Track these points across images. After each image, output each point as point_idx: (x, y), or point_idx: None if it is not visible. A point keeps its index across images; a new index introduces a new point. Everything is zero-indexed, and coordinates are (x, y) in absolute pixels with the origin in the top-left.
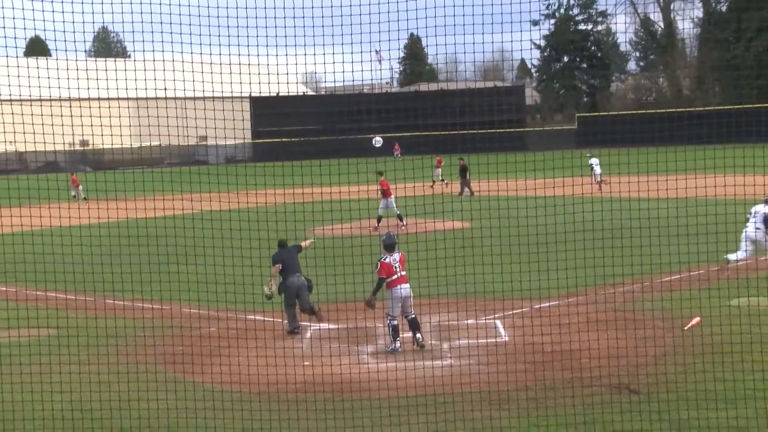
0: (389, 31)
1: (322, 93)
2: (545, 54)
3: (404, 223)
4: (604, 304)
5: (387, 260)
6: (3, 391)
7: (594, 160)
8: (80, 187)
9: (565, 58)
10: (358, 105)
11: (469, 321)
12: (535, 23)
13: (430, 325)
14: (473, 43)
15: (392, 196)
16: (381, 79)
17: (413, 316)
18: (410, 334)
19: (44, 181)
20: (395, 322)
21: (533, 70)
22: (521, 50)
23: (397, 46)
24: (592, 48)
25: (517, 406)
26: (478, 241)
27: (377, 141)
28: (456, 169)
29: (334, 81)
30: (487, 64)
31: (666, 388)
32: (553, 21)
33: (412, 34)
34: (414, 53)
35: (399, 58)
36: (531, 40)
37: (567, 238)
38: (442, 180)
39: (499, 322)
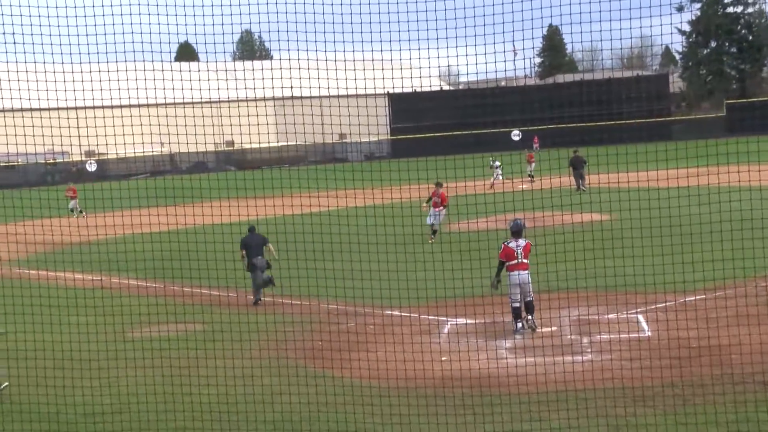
0: (525, 20)
1: (460, 87)
2: (691, 40)
3: (434, 238)
4: (755, 297)
5: (511, 245)
6: (155, 383)
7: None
8: (76, 200)
9: (713, 43)
10: (495, 98)
11: (610, 315)
12: (680, 8)
13: (569, 319)
14: (611, 30)
15: (444, 209)
16: (516, 69)
17: (530, 298)
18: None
19: (196, 180)
20: (516, 305)
21: (678, 57)
22: (663, 36)
23: (533, 37)
24: (743, 31)
25: (662, 403)
26: (618, 233)
27: (516, 134)
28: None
29: (468, 74)
30: (629, 52)
31: None
32: (698, 5)
33: (550, 25)
34: (553, 44)
35: (537, 50)
36: (675, 25)
37: (713, 228)
38: (531, 176)
39: (641, 317)
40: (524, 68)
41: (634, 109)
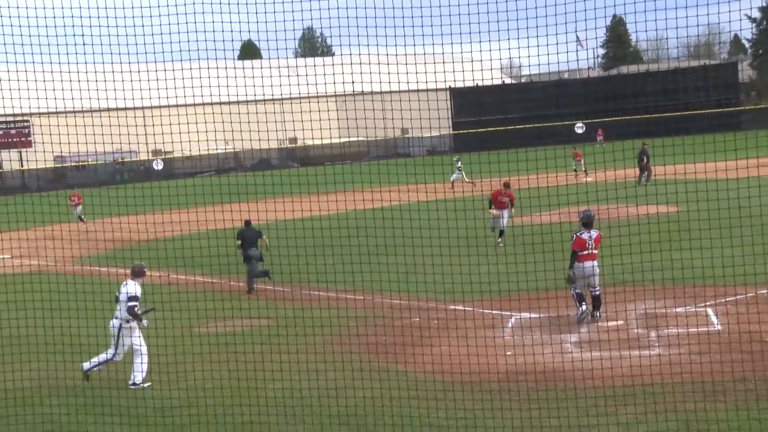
0: (588, 10)
1: (522, 81)
2: (761, 27)
3: (501, 241)
4: None
5: (583, 236)
6: (222, 378)
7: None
8: (79, 207)
9: None
10: (558, 91)
11: (678, 309)
12: None
13: (636, 313)
14: (677, 18)
15: (510, 210)
16: (579, 60)
17: (597, 293)
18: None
19: (260, 177)
20: (578, 290)
21: (747, 45)
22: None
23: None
24: None
25: (734, 398)
26: (686, 224)
27: (579, 127)
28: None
29: (530, 67)
30: (696, 41)
31: None
32: None
33: (614, 16)
34: (617, 35)
35: (601, 41)
36: (744, 11)
37: None
38: (577, 171)
39: (710, 310)
40: (587, 59)
41: (701, 99)
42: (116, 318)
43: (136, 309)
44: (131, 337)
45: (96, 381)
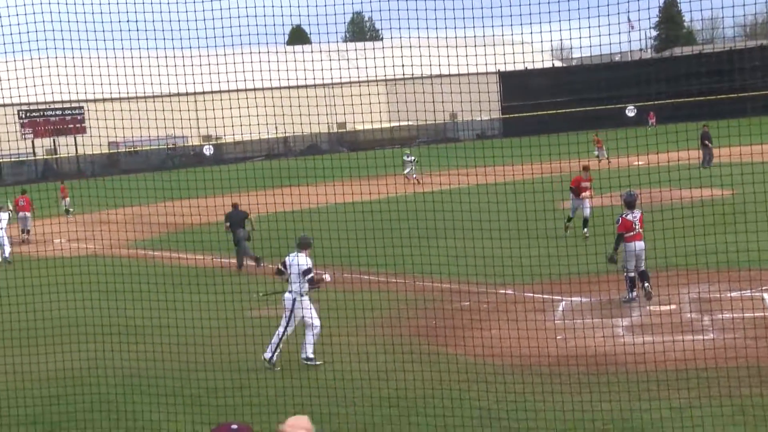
0: None
1: (572, 64)
2: None
3: (584, 230)
4: None
5: (628, 217)
6: (280, 360)
7: None
8: (68, 199)
9: None
10: (609, 74)
11: (733, 293)
12: None
13: (689, 297)
14: None
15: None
16: (631, 41)
17: (644, 268)
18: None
19: (311, 161)
20: (631, 275)
21: None
22: None
23: (649, 7)
24: None
25: None
26: (741, 207)
27: (630, 109)
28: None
29: (581, 49)
30: (752, 20)
31: None
32: None
33: None
34: (669, 16)
35: (653, 23)
36: None
37: None
38: (607, 158)
39: (766, 295)
40: (639, 40)
41: (758, 80)
42: (290, 292)
43: (314, 277)
44: (303, 309)
45: (151, 362)
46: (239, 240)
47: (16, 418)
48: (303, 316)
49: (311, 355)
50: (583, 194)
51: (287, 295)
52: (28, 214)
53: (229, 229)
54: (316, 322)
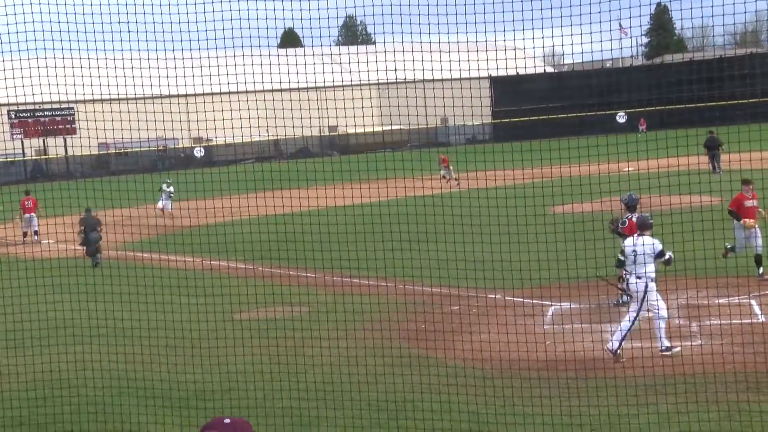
0: None
1: (563, 70)
2: None
3: (759, 271)
4: None
5: (633, 219)
6: (262, 363)
7: None
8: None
9: None
10: (600, 80)
11: (721, 300)
12: None
13: (678, 303)
14: (723, 5)
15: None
16: (623, 48)
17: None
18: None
19: (302, 164)
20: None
21: None
22: None
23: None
24: None
25: None
26: (728, 214)
27: (621, 116)
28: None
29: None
30: (742, 29)
31: None
32: None
33: (658, 4)
34: (660, 24)
35: (644, 30)
36: None
37: None
38: (456, 178)
39: (754, 302)
40: (631, 47)
41: (746, 88)
42: (639, 277)
43: (667, 256)
44: (652, 293)
45: (139, 365)
46: (90, 242)
47: (2, 420)
48: (650, 300)
49: (668, 343)
50: (747, 222)
51: (634, 280)
52: (34, 215)
53: (83, 232)
54: (663, 304)
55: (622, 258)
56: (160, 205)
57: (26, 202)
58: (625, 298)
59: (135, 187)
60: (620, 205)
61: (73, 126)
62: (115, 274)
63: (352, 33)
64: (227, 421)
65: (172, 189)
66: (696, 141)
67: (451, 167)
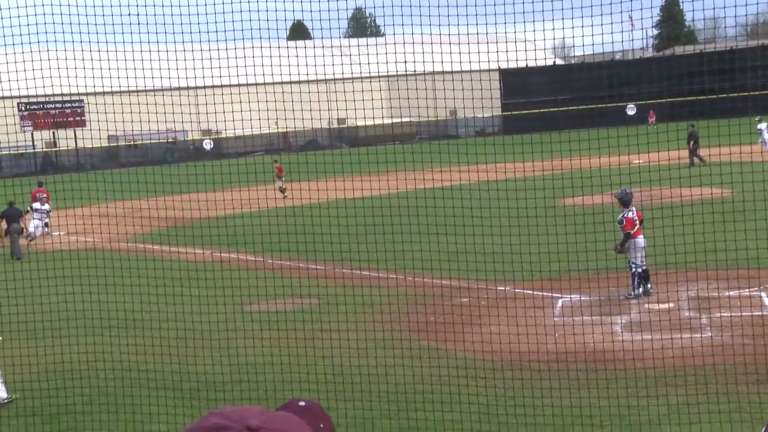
0: None
1: (572, 62)
2: None
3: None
4: None
5: (630, 215)
6: (272, 354)
7: (763, 125)
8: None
9: None
10: (610, 72)
11: (731, 293)
12: None
13: (688, 295)
14: None
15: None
16: (633, 39)
17: (646, 267)
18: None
19: (312, 156)
20: (640, 270)
21: None
22: None
23: (651, 6)
24: None
25: None
26: (741, 206)
27: (631, 108)
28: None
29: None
30: (753, 20)
31: None
32: None
33: None
34: (670, 15)
35: (654, 21)
36: None
37: None
38: (281, 188)
39: (764, 294)
40: (642, 39)
41: (758, 79)
42: None
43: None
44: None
45: (150, 356)
46: (12, 232)
47: (15, 410)
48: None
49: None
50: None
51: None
52: (47, 206)
53: (6, 223)
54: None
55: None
56: (31, 228)
57: (38, 194)
58: (640, 290)
59: (145, 179)
60: (613, 200)
61: (83, 118)
62: (126, 266)
63: (361, 25)
64: (302, 404)
65: (48, 207)
66: (707, 133)
67: (283, 176)
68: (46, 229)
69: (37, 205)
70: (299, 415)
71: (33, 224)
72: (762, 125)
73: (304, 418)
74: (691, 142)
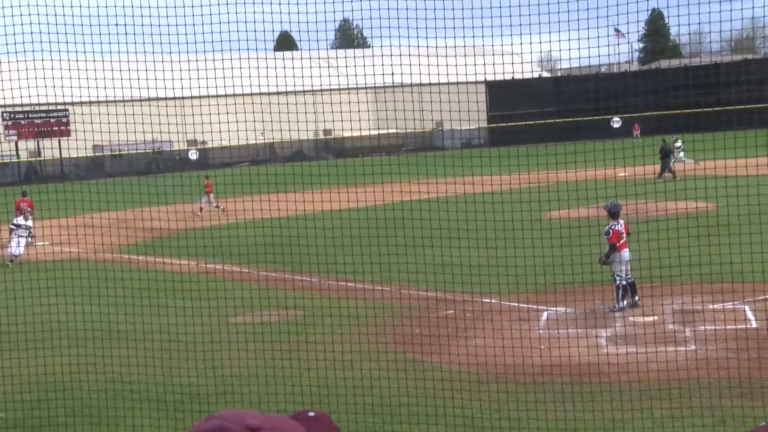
0: (629, 3)
1: (558, 75)
2: None
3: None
4: None
5: (616, 227)
6: (257, 366)
7: (679, 143)
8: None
9: None
10: (595, 85)
11: (715, 306)
12: None
13: (672, 308)
14: (721, 12)
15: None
16: (620, 53)
17: (632, 279)
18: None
19: (298, 167)
20: (624, 282)
21: None
22: None
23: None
24: None
25: None
26: (725, 219)
27: (616, 121)
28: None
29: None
30: (736, 35)
31: None
32: None
33: (653, 10)
34: (655, 29)
35: (639, 35)
36: None
37: None
38: (215, 206)
39: (748, 307)
40: (628, 53)
41: (742, 94)
42: None
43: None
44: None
45: (133, 367)
46: None
47: None
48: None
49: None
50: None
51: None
52: (30, 222)
53: None
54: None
55: None
56: (13, 247)
57: (22, 204)
58: (624, 303)
59: (130, 189)
60: (601, 212)
61: (68, 128)
62: (110, 276)
63: (348, 37)
64: (311, 414)
65: (31, 223)
66: (692, 147)
67: (211, 194)
68: (30, 239)
69: (20, 220)
70: (308, 426)
71: (15, 242)
72: (678, 143)
73: (313, 428)
74: (669, 155)
